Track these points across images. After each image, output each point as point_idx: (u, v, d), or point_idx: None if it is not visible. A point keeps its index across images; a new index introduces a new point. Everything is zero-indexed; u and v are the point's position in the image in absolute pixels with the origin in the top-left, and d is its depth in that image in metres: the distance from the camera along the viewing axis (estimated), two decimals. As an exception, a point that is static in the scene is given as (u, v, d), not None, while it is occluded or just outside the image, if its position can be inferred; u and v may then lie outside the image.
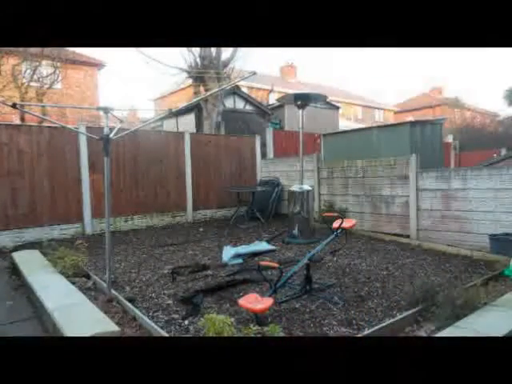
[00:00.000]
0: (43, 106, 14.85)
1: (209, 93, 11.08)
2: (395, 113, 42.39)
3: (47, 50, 14.30)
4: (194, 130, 14.80)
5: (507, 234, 6.60)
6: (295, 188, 8.44)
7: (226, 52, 13.98)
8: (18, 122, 14.87)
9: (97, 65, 21.74)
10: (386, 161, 8.82)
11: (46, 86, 15.23)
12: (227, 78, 13.64)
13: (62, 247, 6.56)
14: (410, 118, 30.67)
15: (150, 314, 4.39)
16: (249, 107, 17.47)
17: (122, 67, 70.66)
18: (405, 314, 4.21)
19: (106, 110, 4.60)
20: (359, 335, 3.73)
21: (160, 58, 12.52)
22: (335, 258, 6.68)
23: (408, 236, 8.28)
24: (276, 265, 4.80)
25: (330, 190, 10.15)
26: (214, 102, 13.82)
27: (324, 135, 12.25)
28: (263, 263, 5.06)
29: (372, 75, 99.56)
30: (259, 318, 3.97)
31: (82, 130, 8.82)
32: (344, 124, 24.31)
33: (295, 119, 11.10)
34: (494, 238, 6.71)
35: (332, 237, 5.22)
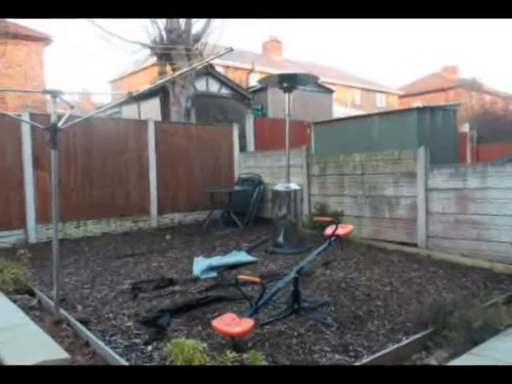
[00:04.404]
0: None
1: (177, 73, 11.01)
2: (400, 97, 42.75)
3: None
4: (160, 118, 14.72)
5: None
6: (280, 187, 8.45)
7: (198, 24, 13.96)
8: None
9: (43, 39, 21.41)
10: (389, 155, 8.87)
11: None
12: (199, 56, 13.59)
13: (1, 258, 6.50)
14: (417, 103, 30.95)
15: (107, 338, 4.36)
16: (225, 90, 17.47)
17: (73, 43, 69.88)
18: (412, 338, 4.23)
19: (54, 94, 4.56)
20: (357, 364, 3.74)
21: (118, 32, 12.44)
22: (328, 271, 6.71)
23: (415, 244, 8.31)
24: (257, 279, 4.82)
25: (323, 189, 10.18)
26: (183, 83, 13.74)
27: (315, 124, 12.30)
28: (242, 277, 5.06)
29: (373, 53, 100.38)
30: (237, 344, 3.97)
31: (25, 117, 8.71)
32: (339, 111, 24.44)
33: (281, 105, 11.10)
34: (518, 247, 6.76)
35: (324, 245, 5.23)
